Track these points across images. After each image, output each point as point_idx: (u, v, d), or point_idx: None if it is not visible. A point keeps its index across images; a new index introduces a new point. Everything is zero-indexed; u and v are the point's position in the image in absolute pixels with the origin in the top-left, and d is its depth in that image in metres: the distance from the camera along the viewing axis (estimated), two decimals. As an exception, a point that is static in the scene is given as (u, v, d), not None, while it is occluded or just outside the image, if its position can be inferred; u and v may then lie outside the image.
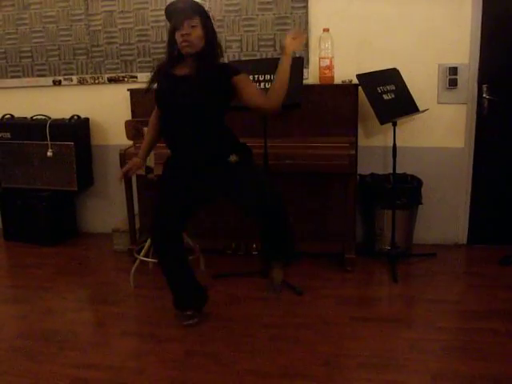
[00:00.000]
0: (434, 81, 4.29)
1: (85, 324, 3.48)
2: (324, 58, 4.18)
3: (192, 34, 2.92)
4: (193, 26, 2.93)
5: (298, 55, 4.27)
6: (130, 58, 4.67)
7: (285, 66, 2.99)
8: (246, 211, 3.38)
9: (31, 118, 4.79)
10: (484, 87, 4.23)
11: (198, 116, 3.02)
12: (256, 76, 3.87)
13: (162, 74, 3.12)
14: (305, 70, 4.25)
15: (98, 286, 3.99)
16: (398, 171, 4.07)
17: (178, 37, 2.95)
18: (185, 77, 3.01)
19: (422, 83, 4.25)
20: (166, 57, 3.11)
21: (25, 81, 4.91)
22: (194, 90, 2.97)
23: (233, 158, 3.09)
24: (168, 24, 3.12)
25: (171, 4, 3.03)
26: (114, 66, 4.72)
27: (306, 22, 4.33)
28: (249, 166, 3.20)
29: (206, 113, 3.02)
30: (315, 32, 4.30)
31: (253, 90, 3.08)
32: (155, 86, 3.18)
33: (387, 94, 3.98)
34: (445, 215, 4.50)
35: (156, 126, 3.32)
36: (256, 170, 3.29)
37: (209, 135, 3.07)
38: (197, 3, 3.04)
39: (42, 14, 4.72)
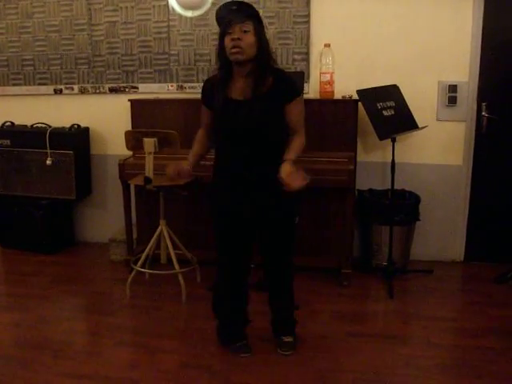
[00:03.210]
0: (434, 98, 4.32)
1: (80, 333, 3.47)
2: (325, 72, 4.20)
3: (243, 40, 2.64)
4: (245, 31, 2.65)
5: (298, 70, 4.31)
6: (132, 68, 4.69)
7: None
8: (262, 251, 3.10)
9: (31, 125, 4.79)
10: (483, 105, 4.25)
11: (262, 139, 2.79)
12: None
13: (215, 93, 2.83)
14: (305, 85, 4.28)
15: (94, 296, 3.98)
16: (396, 187, 4.08)
17: (227, 42, 2.68)
18: (243, 101, 2.76)
19: (421, 100, 4.27)
20: (218, 69, 2.84)
21: (26, 89, 4.93)
22: (254, 114, 2.73)
23: (297, 220, 3.01)
24: (218, 29, 2.84)
25: (222, 6, 2.76)
26: (116, 76, 4.74)
27: (308, 37, 4.36)
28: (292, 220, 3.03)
29: (271, 136, 2.80)
30: (316, 47, 4.33)
31: (297, 118, 2.84)
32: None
33: (387, 110, 4.00)
34: (442, 232, 4.50)
35: (204, 144, 3.04)
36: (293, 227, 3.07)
37: (273, 156, 2.80)
38: (250, 6, 2.75)
39: (45, 22, 4.75)
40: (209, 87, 2.91)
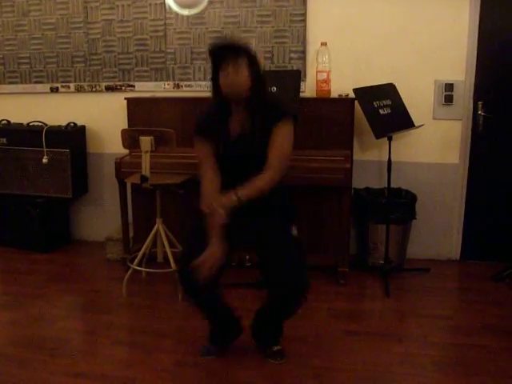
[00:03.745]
0: (430, 96, 4.32)
1: (76, 332, 3.47)
2: (321, 71, 4.20)
3: (236, 77, 2.66)
4: (237, 68, 2.66)
5: (295, 68, 4.31)
6: (128, 66, 4.69)
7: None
8: (266, 274, 2.95)
9: (27, 124, 4.78)
10: (479, 104, 4.25)
11: (261, 170, 2.75)
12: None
13: (213, 127, 2.84)
14: (302, 83, 4.27)
15: (91, 294, 3.98)
16: (392, 186, 4.09)
17: (221, 79, 2.69)
18: (243, 136, 2.78)
19: (418, 99, 4.27)
20: (213, 104, 2.84)
21: (22, 87, 4.92)
22: (255, 149, 2.75)
23: (294, 231, 2.89)
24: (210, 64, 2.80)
25: (215, 44, 2.78)
26: (112, 75, 4.73)
27: (304, 36, 4.36)
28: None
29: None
30: (313, 45, 4.33)
31: (276, 145, 2.76)
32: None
33: (383, 109, 4.00)
34: (438, 230, 4.51)
35: (215, 179, 2.87)
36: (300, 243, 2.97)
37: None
38: (242, 43, 2.77)
39: (42, 20, 4.74)
40: (205, 122, 2.91)
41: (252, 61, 2.72)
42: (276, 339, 3.07)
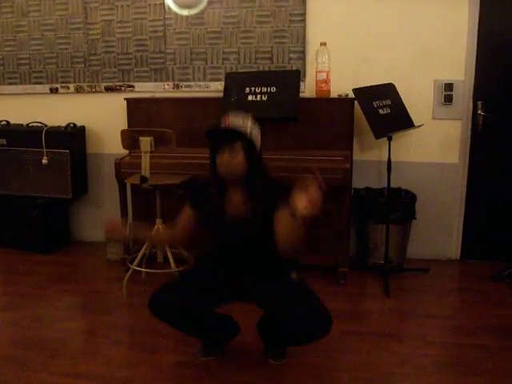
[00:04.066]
0: (430, 96, 4.32)
1: (76, 332, 3.47)
2: (321, 71, 4.20)
3: (232, 161, 2.62)
4: (233, 153, 2.62)
5: (294, 68, 4.31)
6: (128, 67, 4.69)
7: (291, 222, 2.45)
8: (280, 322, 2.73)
9: (27, 125, 4.78)
10: (479, 103, 4.26)
11: (261, 251, 2.75)
12: (253, 88, 3.90)
13: (208, 204, 2.81)
14: (301, 83, 4.27)
15: (90, 295, 3.98)
16: (392, 186, 4.09)
17: (217, 160, 2.66)
18: (242, 219, 2.72)
19: (417, 98, 4.28)
20: (211, 182, 2.79)
21: (22, 88, 4.92)
22: (255, 232, 2.70)
23: (294, 275, 2.80)
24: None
25: (211, 126, 2.72)
26: (112, 75, 4.73)
27: (304, 36, 4.36)
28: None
29: (270, 246, 2.64)
30: (313, 45, 4.33)
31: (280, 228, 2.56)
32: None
33: (383, 109, 4.00)
34: (438, 230, 4.51)
35: (163, 240, 3.16)
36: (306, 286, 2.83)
37: (271, 259, 2.74)
38: (238, 126, 2.65)
39: (41, 21, 4.74)
40: (199, 192, 2.91)
41: (248, 144, 2.65)
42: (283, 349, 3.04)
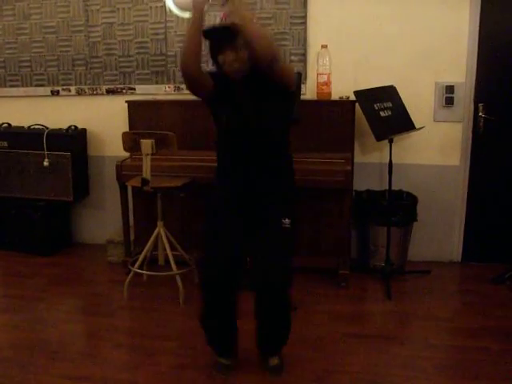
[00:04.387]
0: (431, 99, 4.32)
1: (77, 335, 3.47)
2: (322, 73, 4.20)
3: (237, 59, 2.61)
4: (236, 50, 2.59)
5: (295, 71, 4.30)
6: (129, 69, 4.69)
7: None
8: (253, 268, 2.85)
9: (28, 127, 4.79)
10: (480, 106, 4.26)
11: (267, 141, 2.76)
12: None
13: (223, 86, 2.75)
14: (302, 86, 4.28)
15: (91, 297, 3.98)
16: (393, 188, 4.09)
17: (220, 60, 2.65)
18: (250, 104, 2.71)
19: (418, 101, 4.28)
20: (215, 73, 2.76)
21: (23, 90, 4.93)
22: (263, 114, 2.71)
23: (285, 222, 2.79)
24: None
25: (209, 28, 2.68)
26: (113, 78, 4.74)
27: (305, 39, 4.36)
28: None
29: (276, 135, 2.75)
30: (313, 48, 4.33)
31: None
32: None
33: (384, 111, 4.00)
34: (439, 233, 4.51)
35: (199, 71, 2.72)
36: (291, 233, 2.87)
37: (275, 157, 2.81)
38: (234, 25, 2.56)
39: (43, 24, 4.74)
40: (219, 77, 2.77)
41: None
42: (277, 346, 3.01)
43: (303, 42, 4.37)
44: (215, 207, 2.90)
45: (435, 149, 4.39)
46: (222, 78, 2.74)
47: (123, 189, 4.24)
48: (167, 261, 3.84)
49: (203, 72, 2.74)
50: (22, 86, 4.93)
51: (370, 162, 4.47)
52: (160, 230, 3.86)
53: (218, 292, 2.84)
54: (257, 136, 2.74)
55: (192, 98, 4.26)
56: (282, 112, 2.79)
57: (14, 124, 4.89)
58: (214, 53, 2.68)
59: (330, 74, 4.20)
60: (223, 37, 2.60)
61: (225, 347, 3.00)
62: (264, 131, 2.73)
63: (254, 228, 2.81)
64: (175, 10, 4.50)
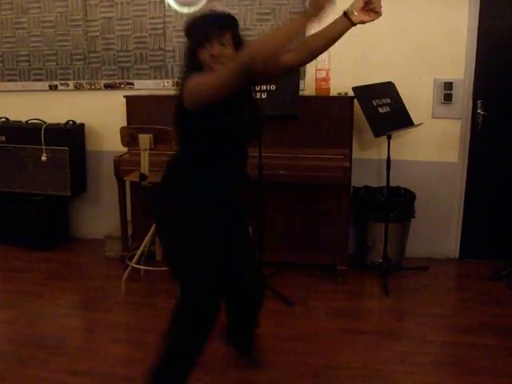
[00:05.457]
0: (429, 95, 4.32)
1: (75, 330, 3.47)
2: (320, 69, 4.19)
3: (224, 54, 2.31)
4: (223, 44, 2.33)
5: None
6: (127, 64, 4.68)
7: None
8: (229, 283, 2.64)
9: (26, 121, 4.78)
10: (479, 102, 4.26)
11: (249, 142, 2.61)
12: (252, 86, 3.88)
13: None
14: (301, 81, 4.27)
15: (89, 292, 3.98)
16: (391, 184, 4.09)
17: (203, 55, 2.34)
18: (245, 100, 2.50)
19: (417, 97, 4.28)
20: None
21: (21, 85, 4.91)
22: (254, 111, 2.52)
23: (250, 230, 2.74)
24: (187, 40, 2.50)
25: (195, 17, 2.42)
26: (111, 73, 4.72)
27: (304, 34, 4.34)
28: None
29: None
30: (312, 44, 4.32)
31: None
32: None
33: (382, 107, 4.00)
34: (437, 229, 4.51)
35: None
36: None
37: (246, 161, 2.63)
38: (227, 15, 2.43)
39: (41, 18, 4.73)
40: None
41: (236, 32, 2.41)
42: (256, 339, 2.99)
43: (302, 37, 4.35)
44: (190, 225, 2.48)
45: (433, 145, 4.39)
46: None
47: (121, 184, 4.23)
48: (165, 256, 3.82)
49: None
50: (20, 80, 4.91)
51: (369, 158, 4.47)
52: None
53: (212, 311, 2.48)
54: (251, 139, 2.62)
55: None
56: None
57: (11, 118, 4.88)
58: (194, 49, 2.38)
59: (328, 69, 4.20)
60: (212, 28, 2.33)
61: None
62: (258, 133, 2.64)
63: (228, 239, 2.61)
64: (174, 5, 4.52)
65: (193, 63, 2.39)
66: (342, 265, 4.09)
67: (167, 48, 4.58)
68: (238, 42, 2.40)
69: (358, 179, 4.44)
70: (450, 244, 4.54)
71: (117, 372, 2.93)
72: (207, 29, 2.33)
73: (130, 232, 4.48)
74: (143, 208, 4.46)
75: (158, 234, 2.75)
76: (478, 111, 4.27)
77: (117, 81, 4.73)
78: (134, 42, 4.63)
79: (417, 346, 3.20)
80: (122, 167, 4.16)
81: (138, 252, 3.88)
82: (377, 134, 3.89)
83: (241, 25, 4.40)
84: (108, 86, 4.75)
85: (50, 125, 4.67)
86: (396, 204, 4.18)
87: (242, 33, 2.47)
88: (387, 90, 4.13)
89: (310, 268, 4.25)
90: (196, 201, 2.48)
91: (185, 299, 2.45)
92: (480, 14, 4.13)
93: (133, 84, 4.70)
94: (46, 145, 4.60)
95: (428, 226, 4.50)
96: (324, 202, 4.24)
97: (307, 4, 2.28)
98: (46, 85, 4.86)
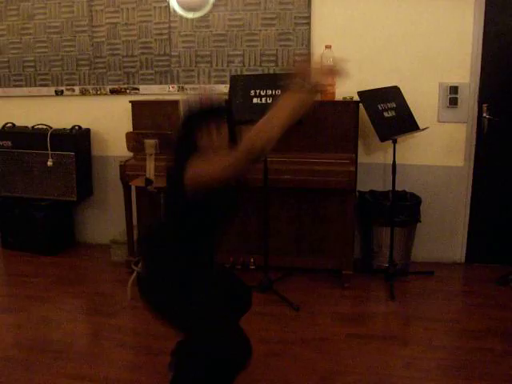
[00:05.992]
0: (435, 99, 4.31)
1: (80, 335, 3.47)
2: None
3: (216, 141, 2.28)
4: (218, 133, 2.28)
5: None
6: (133, 69, 4.69)
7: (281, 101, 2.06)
8: None
9: (32, 127, 4.80)
10: (484, 106, 4.25)
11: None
12: (257, 91, 3.89)
13: None
14: (306, 86, 4.26)
15: (95, 297, 3.98)
16: (397, 188, 4.09)
17: (200, 141, 2.28)
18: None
19: (422, 101, 4.27)
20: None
21: (27, 90, 4.93)
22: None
23: None
24: None
25: (187, 101, 2.39)
26: (117, 78, 4.74)
27: (309, 39, 4.36)
28: None
29: None
30: (317, 48, 4.32)
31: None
32: None
33: (388, 112, 4.00)
34: (443, 233, 4.50)
35: None
36: None
37: None
38: (222, 106, 2.39)
39: (47, 24, 4.75)
40: None
41: (221, 120, 2.34)
42: None
43: (307, 42, 4.37)
44: (196, 282, 2.41)
45: (439, 149, 4.38)
46: None
47: (127, 189, 4.24)
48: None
49: None
50: (26, 85, 4.93)
51: (374, 162, 4.47)
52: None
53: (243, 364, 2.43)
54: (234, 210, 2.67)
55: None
56: None
57: (18, 124, 4.89)
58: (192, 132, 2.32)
59: (333, 74, 4.19)
60: (207, 117, 2.31)
61: None
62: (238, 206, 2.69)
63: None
64: (179, 10, 4.53)
65: (187, 146, 2.32)
66: (347, 269, 4.09)
67: (172, 53, 4.59)
68: (232, 128, 2.36)
69: (364, 184, 4.43)
70: (456, 248, 4.53)
71: (122, 377, 2.93)
72: (203, 120, 2.29)
73: (135, 237, 4.47)
74: (149, 213, 4.46)
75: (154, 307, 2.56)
76: (484, 115, 4.26)
77: (122, 86, 4.74)
78: (140, 47, 4.64)
79: (423, 350, 3.19)
80: (127, 172, 4.17)
81: (144, 257, 3.88)
82: (382, 139, 3.88)
83: (246, 30, 4.46)
84: (113, 91, 4.77)
85: (56, 130, 4.69)
86: (402, 208, 4.17)
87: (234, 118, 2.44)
88: (393, 94, 4.13)
89: (316, 273, 4.25)
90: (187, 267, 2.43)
91: (213, 353, 2.37)
92: (485, 18, 4.13)
93: (138, 89, 4.72)
94: (52, 150, 4.61)
95: (434, 230, 4.49)
96: (329, 207, 4.24)
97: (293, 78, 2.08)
98: (51, 90, 4.88)
